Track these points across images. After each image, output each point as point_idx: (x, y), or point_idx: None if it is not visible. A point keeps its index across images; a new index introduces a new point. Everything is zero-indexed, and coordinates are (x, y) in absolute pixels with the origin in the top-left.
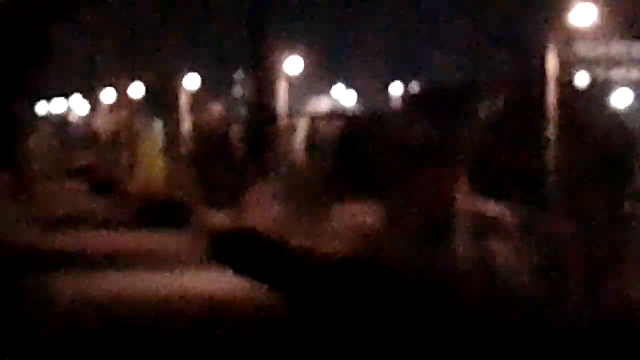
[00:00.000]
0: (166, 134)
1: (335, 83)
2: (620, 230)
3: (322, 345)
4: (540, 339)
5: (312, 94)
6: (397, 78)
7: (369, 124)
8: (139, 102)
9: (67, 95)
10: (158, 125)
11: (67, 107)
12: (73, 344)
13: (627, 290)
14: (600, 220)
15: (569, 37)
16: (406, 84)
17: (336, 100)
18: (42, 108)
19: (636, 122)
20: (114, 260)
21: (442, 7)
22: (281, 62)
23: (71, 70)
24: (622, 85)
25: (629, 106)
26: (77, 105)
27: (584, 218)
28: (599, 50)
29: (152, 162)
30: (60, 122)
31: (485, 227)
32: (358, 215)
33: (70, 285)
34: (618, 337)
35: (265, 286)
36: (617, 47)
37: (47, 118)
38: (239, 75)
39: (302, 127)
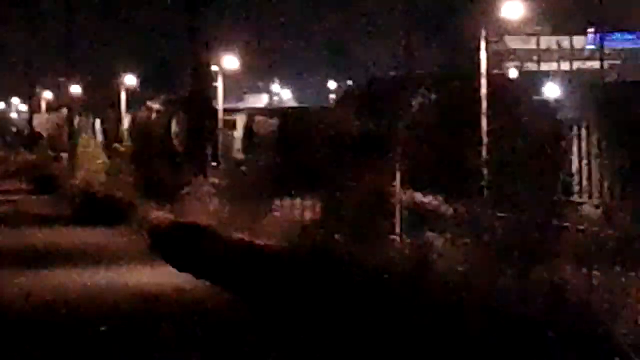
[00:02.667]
0: (106, 132)
1: (273, 81)
2: (551, 216)
3: (264, 335)
4: (472, 321)
5: (250, 91)
6: (333, 74)
7: (306, 120)
8: (79, 102)
9: (7, 99)
10: (98, 124)
11: (6, 109)
12: (17, 338)
13: (556, 278)
14: (533, 208)
15: (500, 31)
16: (342, 80)
17: (274, 97)
18: None
19: (564, 112)
20: (59, 256)
21: (375, 4)
22: (219, 61)
23: (10, 74)
24: (551, 77)
25: (557, 96)
26: (17, 108)
27: (517, 207)
28: (529, 44)
29: (93, 159)
30: (2, 123)
31: (422, 216)
32: (297, 209)
33: (19, 281)
34: (549, 320)
35: (206, 280)
36: (546, 42)
37: None
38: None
39: (240, 122)
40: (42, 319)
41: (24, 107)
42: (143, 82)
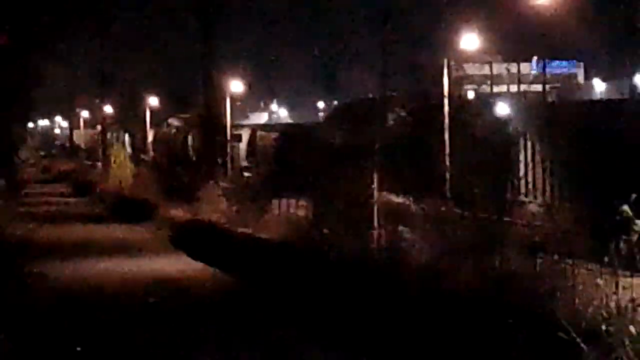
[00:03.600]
0: (134, 145)
1: (272, 101)
2: (503, 213)
3: (260, 311)
4: (438, 302)
5: (253, 110)
6: (322, 96)
7: (299, 134)
8: (111, 120)
9: (51, 117)
10: (127, 138)
11: (51, 126)
12: (67, 313)
13: (507, 264)
14: (488, 207)
15: (460, 60)
16: (329, 100)
17: (272, 115)
18: (31, 127)
19: (513, 126)
20: (94, 248)
21: (359, 37)
22: (227, 85)
23: (54, 97)
24: (502, 98)
25: (507, 114)
26: (60, 124)
27: (474, 206)
28: (484, 70)
29: (122, 167)
30: (48, 138)
31: (396, 214)
32: (292, 208)
33: (61, 268)
34: (501, 299)
35: (216, 267)
36: (498, 68)
37: (37, 134)
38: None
39: (245, 136)
40: (95, 293)
41: (65, 124)
42: (165, 102)
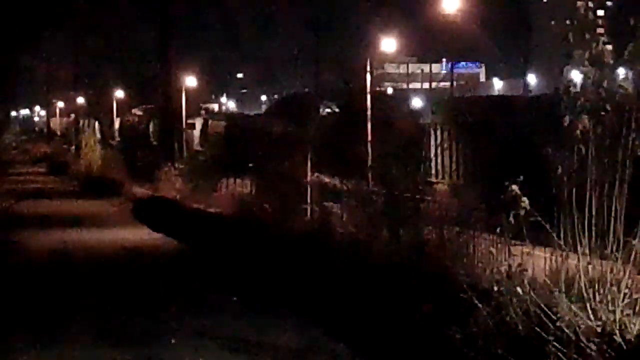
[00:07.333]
0: (102, 131)
1: (222, 94)
2: (415, 194)
3: (210, 274)
4: (360, 268)
5: (205, 102)
6: (265, 90)
7: (245, 123)
8: (83, 109)
9: (31, 107)
10: (97, 125)
11: (31, 115)
12: (44, 275)
13: (418, 235)
14: (402, 186)
15: (380, 60)
16: (271, 95)
17: (222, 106)
18: (14, 115)
19: (425, 119)
20: (67, 220)
21: (297, 40)
22: (183, 80)
23: (33, 89)
24: (416, 93)
25: (420, 108)
26: (38, 113)
27: (391, 185)
28: (401, 70)
29: (93, 151)
30: (28, 125)
31: (325, 192)
32: (238, 186)
33: (37, 236)
34: (412, 265)
35: (172, 237)
36: (413, 68)
37: (19, 122)
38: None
39: (198, 124)
40: (68, 254)
41: (43, 113)
42: (129, 95)
